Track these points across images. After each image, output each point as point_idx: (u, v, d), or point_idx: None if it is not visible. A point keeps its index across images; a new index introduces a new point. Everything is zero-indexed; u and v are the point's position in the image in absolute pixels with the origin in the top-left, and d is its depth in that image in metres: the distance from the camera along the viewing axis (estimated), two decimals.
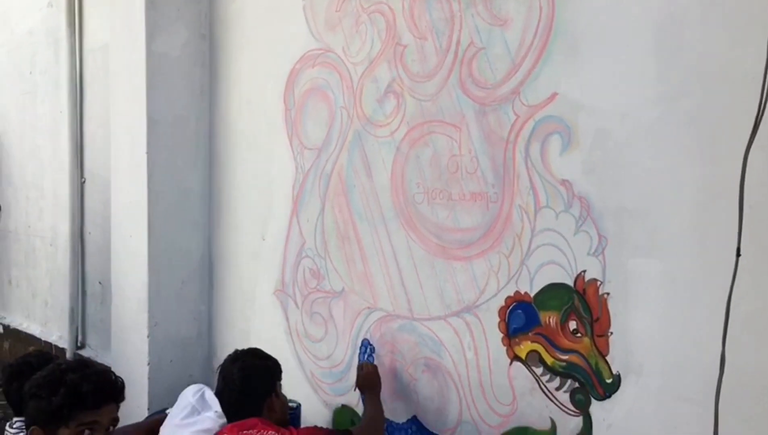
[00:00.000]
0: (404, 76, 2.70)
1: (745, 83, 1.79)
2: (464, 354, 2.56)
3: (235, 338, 3.46)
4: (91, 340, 4.57)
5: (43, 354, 2.87)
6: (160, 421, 2.68)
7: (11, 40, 5.24)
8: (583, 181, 2.19)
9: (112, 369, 1.86)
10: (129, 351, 3.56)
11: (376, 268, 2.84)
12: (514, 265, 2.38)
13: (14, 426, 2.46)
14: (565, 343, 2.26)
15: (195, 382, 2.88)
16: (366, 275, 2.89)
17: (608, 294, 2.14)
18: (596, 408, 2.19)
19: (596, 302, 2.17)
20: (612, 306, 2.13)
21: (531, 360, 2.36)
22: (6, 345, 5.28)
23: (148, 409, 3.33)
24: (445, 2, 2.54)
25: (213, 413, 2.58)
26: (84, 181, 4.50)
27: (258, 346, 2.68)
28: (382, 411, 2.65)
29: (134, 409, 3.17)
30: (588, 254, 2.18)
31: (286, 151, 3.20)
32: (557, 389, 2.29)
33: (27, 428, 1.65)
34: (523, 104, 2.33)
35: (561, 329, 2.26)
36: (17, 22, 5.23)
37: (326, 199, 3.03)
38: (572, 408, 2.25)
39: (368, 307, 2.89)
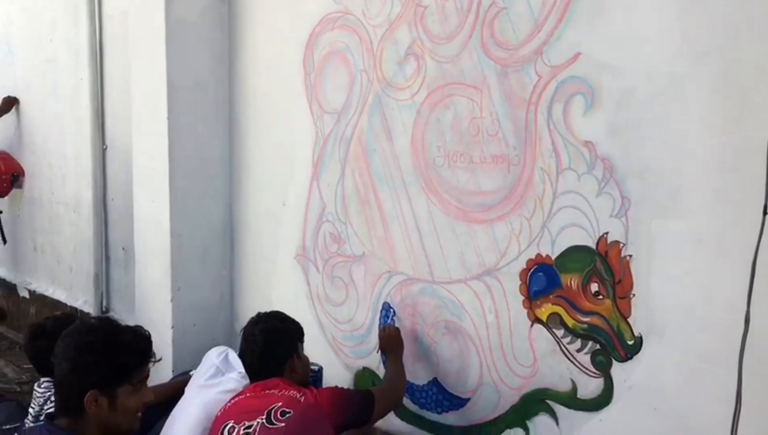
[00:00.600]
0: (425, 37, 2.67)
1: None
2: (485, 317, 2.57)
3: (256, 302, 3.48)
4: (116, 304, 4.63)
5: (67, 315, 2.92)
6: (185, 383, 2.74)
7: (31, 8, 5.24)
8: (606, 142, 2.16)
9: None
10: (153, 315, 3.61)
11: (397, 232, 2.84)
12: (536, 227, 2.38)
13: (42, 386, 2.52)
14: (587, 305, 2.25)
15: (218, 345, 2.93)
16: (386, 239, 2.89)
17: (631, 256, 2.13)
18: (617, 369, 2.20)
19: (618, 264, 2.16)
20: (634, 268, 2.12)
21: (552, 322, 2.36)
22: (32, 310, 5.36)
23: (173, 371, 3.39)
24: None
25: (236, 374, 2.63)
26: (106, 148, 4.52)
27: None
28: (404, 373, 2.67)
29: (159, 371, 3.21)
30: (610, 216, 2.17)
31: (306, 116, 3.19)
32: (578, 351, 2.30)
33: (59, 388, 1.70)
34: (546, 65, 2.30)
35: (582, 291, 2.26)
36: None
37: (346, 164, 3.03)
38: (593, 369, 2.26)
39: (389, 271, 2.90)
